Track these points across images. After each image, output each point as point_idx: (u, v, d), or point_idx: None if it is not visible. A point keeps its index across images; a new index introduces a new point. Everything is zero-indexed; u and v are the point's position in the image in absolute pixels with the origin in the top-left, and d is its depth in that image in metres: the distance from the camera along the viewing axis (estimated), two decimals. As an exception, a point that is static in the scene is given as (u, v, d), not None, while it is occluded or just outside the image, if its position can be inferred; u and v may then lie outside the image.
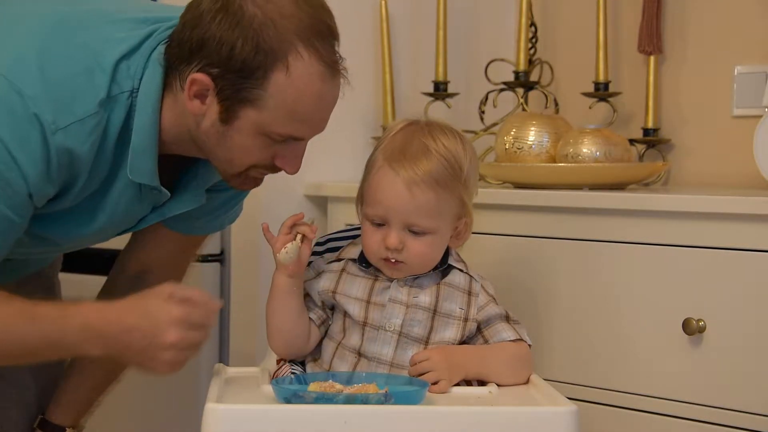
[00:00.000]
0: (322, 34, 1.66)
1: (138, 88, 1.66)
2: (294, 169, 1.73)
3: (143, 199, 1.75)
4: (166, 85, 1.68)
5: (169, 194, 1.75)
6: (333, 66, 1.67)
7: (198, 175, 1.80)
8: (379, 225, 1.74)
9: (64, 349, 1.66)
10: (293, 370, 1.73)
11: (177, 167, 1.79)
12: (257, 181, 1.76)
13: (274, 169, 1.73)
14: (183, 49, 1.64)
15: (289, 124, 1.65)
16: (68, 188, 1.66)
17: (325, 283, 1.78)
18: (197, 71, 1.63)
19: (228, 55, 1.61)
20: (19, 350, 1.64)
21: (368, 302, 1.75)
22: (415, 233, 1.73)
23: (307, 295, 1.80)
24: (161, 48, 1.68)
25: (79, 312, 1.62)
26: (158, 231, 1.92)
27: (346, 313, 1.76)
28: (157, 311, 1.58)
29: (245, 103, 1.63)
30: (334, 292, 1.77)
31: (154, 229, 1.90)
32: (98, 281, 2.04)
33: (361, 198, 1.78)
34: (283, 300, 1.75)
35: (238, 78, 1.61)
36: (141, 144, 1.67)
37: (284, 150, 1.70)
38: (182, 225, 1.91)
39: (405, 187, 1.71)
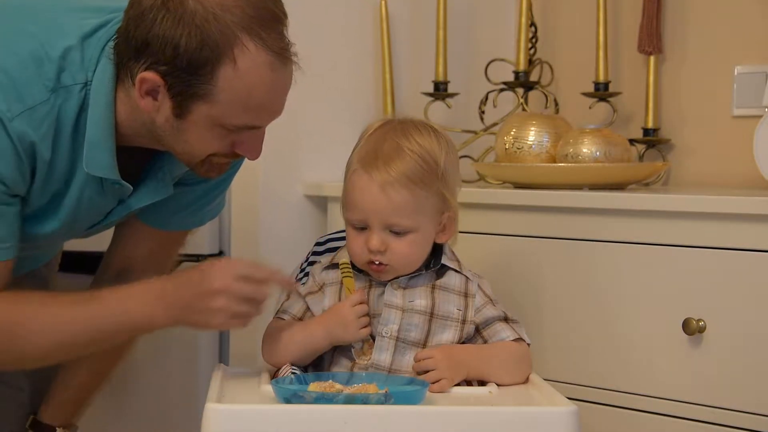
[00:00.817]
0: (267, 22, 1.63)
1: (91, 81, 1.66)
2: (254, 155, 1.72)
3: (106, 193, 1.74)
4: (117, 80, 1.67)
5: (131, 188, 1.74)
6: (281, 53, 1.64)
7: (163, 166, 1.79)
8: (362, 229, 1.74)
9: (132, 324, 1.67)
10: (293, 370, 1.73)
11: (142, 159, 1.79)
12: (222, 167, 1.75)
13: (236, 156, 1.72)
14: (129, 47, 1.64)
15: (243, 114, 1.65)
16: (32, 184, 1.67)
17: (328, 302, 1.77)
18: (145, 70, 1.62)
19: (173, 53, 1.60)
20: (96, 336, 1.67)
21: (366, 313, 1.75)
22: (397, 233, 1.73)
23: (309, 309, 1.80)
24: (112, 41, 1.67)
25: (138, 284, 1.66)
26: (137, 228, 1.92)
27: None
28: (206, 266, 1.62)
29: (196, 99, 1.62)
30: None
31: (133, 226, 1.91)
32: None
33: (343, 202, 1.78)
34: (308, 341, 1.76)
35: (186, 75, 1.61)
36: (96, 137, 1.67)
37: (242, 137, 1.69)
38: (160, 220, 1.91)
39: (379, 190, 1.71)
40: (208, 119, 1.64)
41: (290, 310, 1.81)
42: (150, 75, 1.62)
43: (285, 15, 1.67)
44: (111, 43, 1.67)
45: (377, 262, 1.73)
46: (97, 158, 1.67)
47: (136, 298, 1.66)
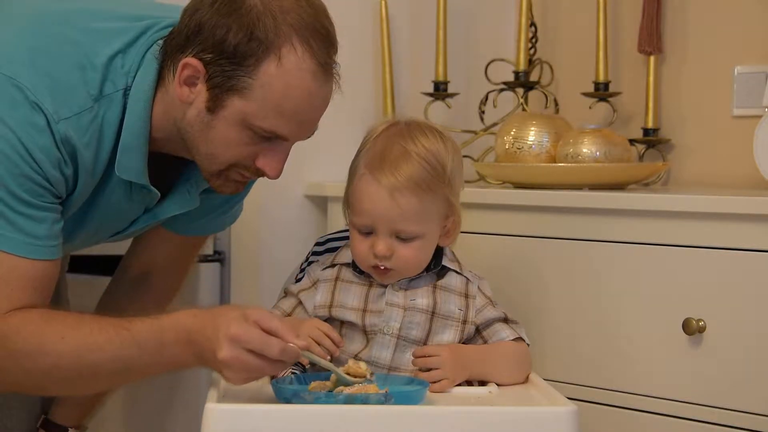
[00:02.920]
0: (320, 35, 1.66)
1: (131, 86, 1.67)
2: (275, 172, 1.71)
3: (134, 199, 1.74)
4: (159, 80, 1.68)
5: (158, 194, 1.75)
6: (326, 66, 1.67)
7: (191, 177, 1.80)
8: (367, 233, 1.74)
9: (164, 359, 1.62)
10: (293, 370, 1.72)
11: (172, 170, 1.79)
12: (238, 185, 1.75)
13: (256, 173, 1.72)
14: (180, 37, 1.65)
15: (275, 118, 1.64)
16: (74, 190, 1.67)
17: (320, 298, 1.77)
18: (190, 56, 1.63)
19: (221, 38, 1.61)
20: (123, 369, 1.63)
21: (365, 311, 1.74)
22: (403, 239, 1.73)
23: (300, 304, 1.79)
24: (157, 44, 1.68)
25: (173, 318, 1.61)
26: (158, 232, 1.91)
27: (342, 323, 1.75)
28: (221, 325, 1.56)
29: (233, 92, 1.63)
30: (330, 307, 1.76)
31: (153, 230, 1.90)
32: (105, 282, 2.04)
33: (347, 205, 1.78)
34: None
35: (229, 64, 1.61)
36: (130, 141, 1.67)
37: (267, 150, 1.68)
38: (181, 226, 1.91)
39: (388, 195, 1.71)
40: (240, 117, 1.64)
41: (281, 306, 1.81)
42: (194, 61, 1.63)
43: (336, 41, 1.70)
44: (155, 47, 1.68)
45: (382, 267, 1.73)
46: (129, 162, 1.68)
47: (169, 340, 1.60)
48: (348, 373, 1.60)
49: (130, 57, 1.68)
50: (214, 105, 1.64)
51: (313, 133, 1.72)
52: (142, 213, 1.79)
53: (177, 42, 1.66)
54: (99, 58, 1.66)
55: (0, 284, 1.61)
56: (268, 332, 1.55)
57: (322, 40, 1.66)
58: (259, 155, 1.69)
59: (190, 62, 1.63)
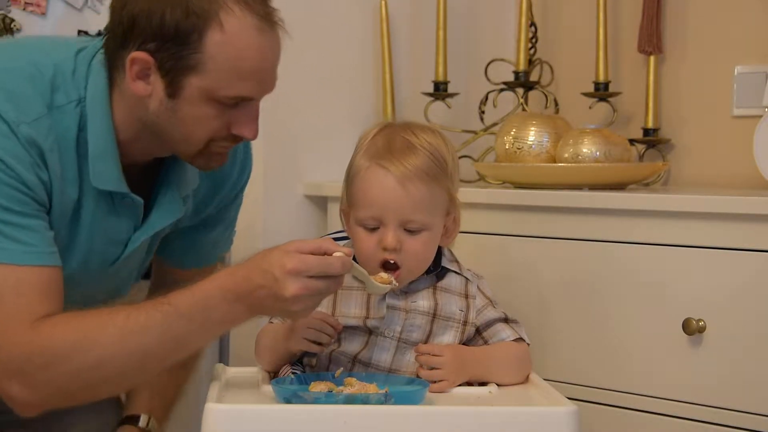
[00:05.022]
0: None
1: (85, 96, 1.67)
2: (252, 133, 1.70)
3: (120, 214, 1.73)
4: (111, 83, 1.69)
5: (141, 201, 1.73)
6: (267, 17, 1.65)
7: (172, 183, 1.79)
8: (373, 229, 1.73)
9: (214, 323, 1.59)
10: (293, 370, 1.73)
11: (152, 183, 1.78)
12: (222, 157, 1.74)
13: (235, 139, 1.71)
14: (117, 34, 1.65)
15: (236, 83, 1.64)
16: (51, 201, 1.66)
17: (321, 308, 1.76)
18: (135, 51, 1.63)
19: (159, 24, 1.60)
20: (173, 344, 1.60)
21: (367, 317, 1.74)
22: (411, 231, 1.72)
23: None
24: (100, 53, 1.69)
25: (210, 282, 1.59)
26: (165, 273, 1.93)
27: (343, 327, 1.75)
28: (273, 266, 1.54)
29: (187, 71, 1.62)
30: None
31: (160, 273, 1.93)
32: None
33: (349, 204, 1.76)
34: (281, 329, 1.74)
35: (175, 46, 1.61)
36: (98, 149, 1.67)
37: (238, 115, 1.68)
38: (177, 260, 1.93)
39: (398, 183, 1.70)
40: (202, 93, 1.63)
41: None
42: (140, 54, 1.62)
43: None
44: (98, 55, 1.69)
45: (392, 261, 1.70)
46: (103, 171, 1.67)
47: (214, 301, 1.58)
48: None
49: (78, 67, 1.69)
50: (173, 90, 1.64)
51: (274, 85, 1.72)
52: (132, 232, 1.77)
53: (116, 41, 1.66)
54: (47, 69, 1.66)
55: (14, 297, 1.59)
56: (314, 253, 1.55)
57: None
58: (232, 123, 1.68)
59: (137, 56, 1.63)
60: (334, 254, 1.55)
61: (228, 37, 1.61)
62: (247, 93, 1.66)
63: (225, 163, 1.78)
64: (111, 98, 1.69)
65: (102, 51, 1.69)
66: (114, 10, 1.66)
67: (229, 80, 1.63)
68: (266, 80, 1.69)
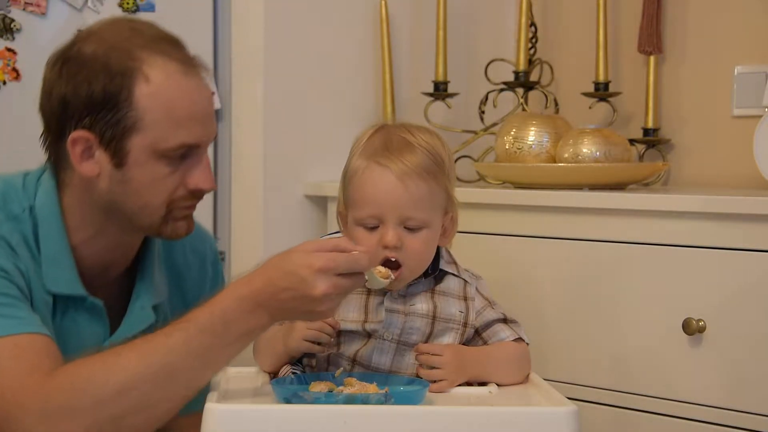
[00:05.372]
0: (166, 40, 1.68)
1: (34, 205, 1.69)
2: (209, 183, 1.70)
3: (87, 319, 1.72)
4: (61, 187, 1.70)
5: (101, 303, 1.71)
6: (188, 62, 1.67)
7: (140, 291, 1.77)
8: (372, 228, 1.72)
9: (237, 335, 1.55)
10: (293, 370, 1.72)
11: (123, 293, 1.77)
12: (188, 222, 1.73)
13: (193, 195, 1.70)
14: (53, 127, 1.67)
15: (176, 131, 1.64)
16: (31, 295, 1.65)
17: None
18: (73, 132, 1.64)
19: (88, 95, 1.62)
20: (199, 361, 1.55)
21: (365, 321, 1.74)
22: (411, 229, 1.71)
23: None
24: (47, 169, 1.71)
25: (227, 294, 1.56)
26: None
27: (341, 331, 1.74)
28: (299, 267, 1.52)
29: (128, 133, 1.63)
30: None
31: None
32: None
33: (347, 205, 1.75)
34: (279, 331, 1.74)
35: (108, 112, 1.62)
36: (51, 252, 1.67)
37: (189, 168, 1.68)
38: None
39: (398, 180, 1.69)
40: (147, 151, 1.64)
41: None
42: (78, 133, 1.64)
43: (182, 41, 1.71)
44: (47, 171, 1.71)
45: (393, 259, 1.70)
46: (57, 274, 1.67)
47: (234, 313, 1.54)
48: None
49: (26, 183, 1.71)
50: (119, 158, 1.64)
51: (216, 130, 1.72)
52: (107, 336, 1.74)
53: (54, 135, 1.68)
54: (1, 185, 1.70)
55: (13, 361, 1.55)
56: (344, 250, 1.54)
57: (171, 43, 1.68)
58: (186, 178, 1.68)
59: (76, 136, 1.64)
60: (351, 252, 1.55)
61: (156, 87, 1.63)
62: (191, 139, 1.66)
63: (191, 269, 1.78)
64: (62, 202, 1.70)
65: (46, 163, 1.71)
66: (42, 105, 1.69)
67: (169, 129, 1.64)
68: (205, 123, 1.69)
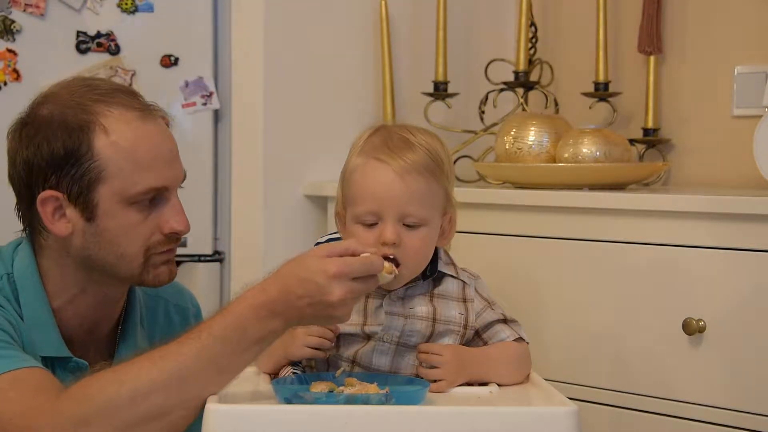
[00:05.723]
0: (120, 91, 1.70)
1: (12, 272, 1.70)
2: (183, 225, 1.70)
3: (72, 379, 1.68)
4: (37, 252, 1.71)
5: (86, 364, 1.70)
6: (145, 109, 1.69)
7: (122, 354, 1.76)
8: (371, 226, 1.72)
9: (250, 342, 1.54)
10: (294, 370, 1.72)
11: (110, 358, 1.77)
12: (170, 267, 1.73)
13: (170, 240, 1.71)
14: (23, 194, 1.69)
15: (141, 175, 1.65)
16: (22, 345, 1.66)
17: None
18: (41, 193, 1.66)
19: (49, 154, 1.64)
20: (212, 368, 1.54)
21: (365, 324, 1.74)
22: (410, 227, 1.71)
23: None
24: (23, 240, 1.73)
25: (241, 302, 1.55)
26: None
27: (340, 334, 1.74)
28: (314, 273, 1.51)
29: (94, 185, 1.65)
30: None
31: None
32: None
33: (345, 204, 1.74)
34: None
35: (72, 167, 1.64)
36: (33, 316, 1.68)
37: (162, 213, 1.69)
38: None
39: (397, 176, 1.69)
40: (116, 200, 1.65)
41: None
42: (46, 193, 1.65)
43: (136, 91, 1.74)
44: (23, 241, 1.73)
45: (391, 257, 1.69)
46: (42, 338, 1.67)
47: (248, 321, 1.53)
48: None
49: (2, 253, 1.73)
50: (89, 211, 1.66)
51: (183, 173, 1.73)
52: None
53: (24, 199, 1.69)
54: None
55: (20, 391, 1.55)
56: (356, 254, 1.54)
57: (126, 93, 1.70)
58: (160, 223, 1.69)
59: (44, 195, 1.65)
60: (362, 255, 1.55)
61: (115, 136, 1.65)
62: (157, 182, 1.67)
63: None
64: (40, 267, 1.71)
65: (22, 233, 1.73)
66: (10, 175, 1.71)
67: (134, 175, 1.65)
68: (171, 165, 1.70)
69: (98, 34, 2.61)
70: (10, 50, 2.61)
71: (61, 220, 1.67)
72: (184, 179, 1.74)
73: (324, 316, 1.54)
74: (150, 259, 1.70)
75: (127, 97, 1.69)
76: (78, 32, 2.60)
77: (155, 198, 1.68)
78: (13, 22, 2.60)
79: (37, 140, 1.65)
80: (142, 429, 1.52)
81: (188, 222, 1.72)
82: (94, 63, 2.58)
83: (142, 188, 1.66)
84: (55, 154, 1.64)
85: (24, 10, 2.59)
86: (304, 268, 1.52)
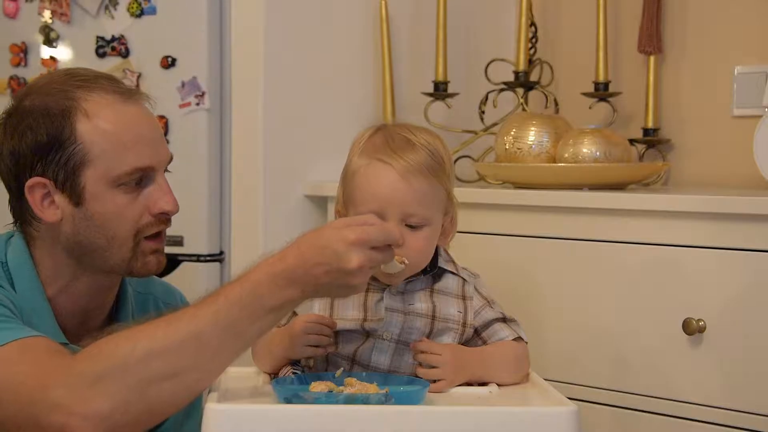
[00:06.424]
0: (104, 78, 1.72)
1: (6, 261, 1.71)
2: (171, 204, 1.72)
3: None
4: (30, 242, 1.73)
5: (80, 349, 1.68)
6: (126, 91, 1.71)
7: None
8: None
9: (267, 309, 1.54)
10: (294, 370, 1.72)
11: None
12: (159, 256, 1.74)
13: (159, 222, 1.72)
14: (11, 182, 1.70)
15: (125, 156, 1.67)
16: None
17: (318, 311, 1.74)
18: (28, 181, 1.67)
19: (33, 143, 1.66)
20: (228, 333, 1.53)
21: (365, 320, 1.74)
22: (412, 227, 1.71)
23: (295, 315, 1.78)
24: (15, 232, 1.75)
25: (258, 269, 1.55)
26: None
27: (339, 331, 1.74)
28: (333, 241, 1.52)
29: (79, 169, 1.66)
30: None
31: None
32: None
33: (346, 204, 1.74)
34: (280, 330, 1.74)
35: (56, 152, 1.66)
36: (30, 304, 1.69)
37: (149, 194, 1.70)
38: None
39: (400, 177, 1.69)
40: (102, 183, 1.67)
41: None
42: (33, 180, 1.67)
43: (116, 78, 1.76)
44: (15, 232, 1.74)
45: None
46: (38, 325, 1.67)
47: (265, 288, 1.53)
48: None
49: None
50: (77, 196, 1.67)
51: (169, 153, 1.75)
52: None
53: (13, 190, 1.71)
54: None
55: (30, 354, 1.55)
56: (374, 224, 1.55)
57: (107, 79, 1.72)
58: (149, 204, 1.71)
59: (32, 183, 1.67)
60: (383, 223, 1.57)
61: (97, 119, 1.67)
62: (142, 162, 1.68)
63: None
64: (33, 256, 1.72)
65: (14, 226, 1.74)
66: (0, 171, 1.72)
67: (118, 156, 1.67)
68: (154, 145, 1.71)
69: (113, 38, 2.65)
70: (53, 57, 2.75)
71: (51, 206, 1.68)
72: (170, 161, 1.75)
73: (341, 284, 1.54)
74: (140, 245, 1.71)
75: (108, 82, 1.71)
76: (97, 37, 2.67)
77: (142, 179, 1.70)
78: (51, 30, 2.67)
79: (21, 129, 1.67)
80: (156, 388, 1.51)
81: (177, 202, 1.73)
82: (109, 67, 2.63)
83: (127, 168, 1.67)
84: (39, 141, 1.66)
85: (59, 19, 2.68)
86: (323, 237, 1.53)
